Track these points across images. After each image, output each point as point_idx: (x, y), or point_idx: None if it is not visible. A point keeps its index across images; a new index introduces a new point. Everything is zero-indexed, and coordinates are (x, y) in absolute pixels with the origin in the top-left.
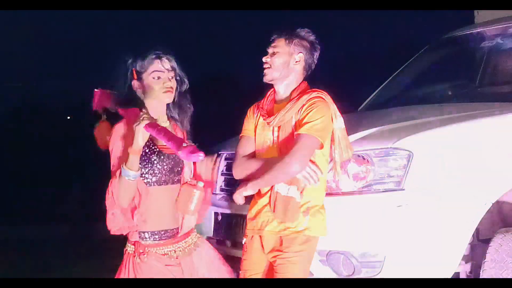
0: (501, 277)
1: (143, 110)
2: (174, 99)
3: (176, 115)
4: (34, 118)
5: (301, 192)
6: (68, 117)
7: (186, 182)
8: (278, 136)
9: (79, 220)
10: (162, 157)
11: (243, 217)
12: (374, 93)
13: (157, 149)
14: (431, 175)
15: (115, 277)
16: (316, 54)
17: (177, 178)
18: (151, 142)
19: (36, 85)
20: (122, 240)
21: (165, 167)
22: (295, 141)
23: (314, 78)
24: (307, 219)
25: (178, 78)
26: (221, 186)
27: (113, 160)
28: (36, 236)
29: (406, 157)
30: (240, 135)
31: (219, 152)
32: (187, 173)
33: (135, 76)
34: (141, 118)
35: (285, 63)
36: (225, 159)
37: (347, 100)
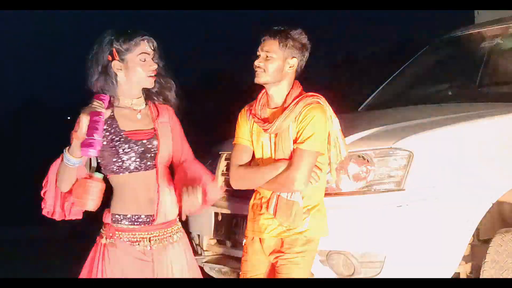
0: (501, 277)
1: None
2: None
3: (159, 94)
4: (34, 118)
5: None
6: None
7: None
8: (275, 143)
9: (79, 220)
10: (129, 144)
11: (243, 217)
12: (374, 93)
13: (123, 136)
14: (431, 175)
15: (84, 264)
16: (307, 54)
17: (150, 163)
18: (117, 129)
19: (36, 85)
20: None
21: (134, 154)
22: (296, 154)
23: (315, 78)
24: (307, 220)
25: (160, 61)
26: (221, 186)
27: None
28: (36, 236)
29: (406, 157)
30: (234, 142)
31: (219, 152)
32: (163, 158)
33: (116, 57)
34: (90, 105)
35: (279, 69)
36: (225, 159)
37: (347, 100)
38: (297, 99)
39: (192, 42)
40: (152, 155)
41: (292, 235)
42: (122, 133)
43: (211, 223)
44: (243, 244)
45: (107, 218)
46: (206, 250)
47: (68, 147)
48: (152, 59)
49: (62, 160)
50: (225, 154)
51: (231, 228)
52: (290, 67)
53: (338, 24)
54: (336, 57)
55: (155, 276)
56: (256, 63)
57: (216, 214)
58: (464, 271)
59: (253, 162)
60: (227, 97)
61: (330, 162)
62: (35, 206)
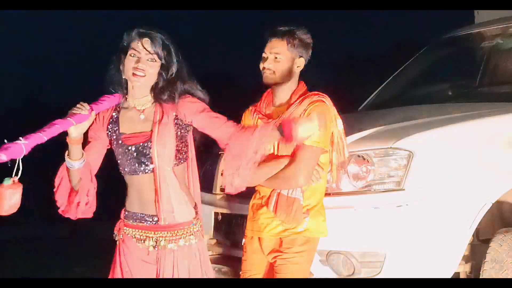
0: (501, 277)
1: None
2: (158, 83)
3: (163, 100)
4: (33, 118)
5: (302, 192)
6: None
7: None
8: (278, 141)
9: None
10: (123, 148)
11: (243, 217)
12: (374, 93)
13: (121, 141)
14: (431, 175)
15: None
16: (310, 52)
17: (148, 166)
18: (117, 132)
19: (36, 85)
20: None
21: (129, 158)
22: (299, 150)
23: (315, 78)
24: (307, 220)
25: (163, 62)
26: (221, 186)
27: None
28: (36, 236)
29: (406, 157)
30: None
31: (219, 152)
32: (163, 160)
33: (122, 52)
34: (77, 109)
35: (288, 69)
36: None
37: (347, 100)
38: (303, 97)
39: (192, 42)
40: (148, 158)
41: (291, 234)
42: (120, 137)
43: (211, 223)
44: (243, 244)
45: (121, 214)
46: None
47: (66, 152)
48: (145, 58)
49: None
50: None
51: (231, 228)
52: (298, 66)
53: (338, 24)
54: (336, 57)
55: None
56: (266, 65)
57: (216, 214)
58: (464, 271)
59: None
60: (227, 97)
61: (332, 163)
62: (35, 206)
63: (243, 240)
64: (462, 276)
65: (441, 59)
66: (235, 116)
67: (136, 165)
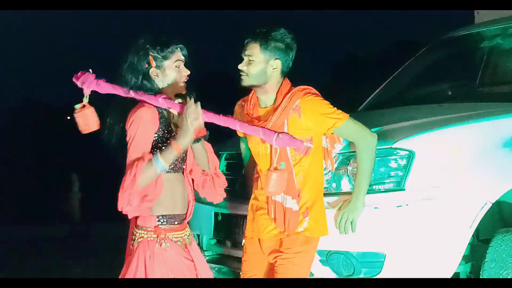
0: (501, 277)
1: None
2: None
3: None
4: (33, 119)
5: (298, 195)
6: (68, 117)
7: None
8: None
9: (79, 220)
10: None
11: (243, 217)
12: (374, 93)
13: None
14: (431, 175)
15: (125, 272)
16: (292, 54)
17: (183, 166)
18: (171, 128)
19: (36, 85)
20: (122, 239)
21: (180, 154)
22: (348, 130)
23: (315, 78)
24: (307, 220)
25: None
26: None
27: (136, 146)
28: (36, 236)
29: (406, 157)
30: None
31: (219, 152)
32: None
33: (153, 64)
34: (199, 113)
35: (262, 72)
36: (225, 159)
37: (347, 100)
38: (288, 95)
39: (192, 42)
40: (185, 157)
41: (291, 235)
42: (175, 133)
43: (211, 223)
44: (243, 244)
45: (151, 221)
46: (206, 250)
47: (158, 152)
48: (184, 65)
49: (147, 163)
50: (225, 154)
51: (231, 228)
52: (274, 69)
53: (338, 24)
54: (336, 57)
55: (199, 275)
56: (239, 67)
57: (216, 214)
58: (464, 271)
59: (251, 158)
60: (226, 97)
61: (328, 151)
62: (35, 206)
63: (243, 241)
64: (462, 276)
65: (441, 59)
66: (232, 116)
67: (181, 162)
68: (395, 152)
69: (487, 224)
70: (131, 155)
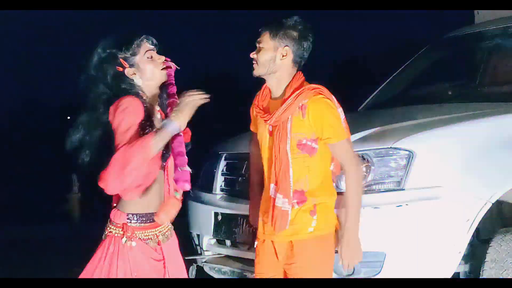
0: (501, 277)
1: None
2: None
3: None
4: (33, 119)
5: (292, 195)
6: (68, 117)
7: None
8: (272, 134)
9: (79, 220)
10: None
11: (243, 217)
12: (374, 93)
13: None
14: (431, 175)
15: (90, 262)
16: (307, 44)
17: (164, 163)
18: (152, 125)
19: (36, 85)
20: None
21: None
22: (340, 150)
23: (315, 78)
24: (315, 218)
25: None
26: (221, 186)
27: (130, 126)
28: (36, 236)
29: (406, 157)
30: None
31: (219, 152)
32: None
33: (126, 65)
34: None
35: (271, 59)
36: (225, 159)
37: (347, 100)
38: (298, 91)
39: (191, 42)
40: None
41: (301, 235)
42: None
43: (211, 223)
44: (255, 247)
45: (121, 218)
46: (206, 250)
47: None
48: (157, 53)
49: (156, 133)
50: (225, 154)
51: (231, 228)
52: (283, 56)
53: (338, 24)
54: (336, 57)
55: (167, 273)
56: (251, 55)
57: (216, 214)
58: (464, 271)
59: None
60: (226, 97)
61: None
62: (35, 206)
63: (255, 242)
64: (462, 276)
65: (441, 59)
66: (235, 115)
67: (161, 160)
68: (395, 152)
69: (487, 224)
70: (127, 134)
